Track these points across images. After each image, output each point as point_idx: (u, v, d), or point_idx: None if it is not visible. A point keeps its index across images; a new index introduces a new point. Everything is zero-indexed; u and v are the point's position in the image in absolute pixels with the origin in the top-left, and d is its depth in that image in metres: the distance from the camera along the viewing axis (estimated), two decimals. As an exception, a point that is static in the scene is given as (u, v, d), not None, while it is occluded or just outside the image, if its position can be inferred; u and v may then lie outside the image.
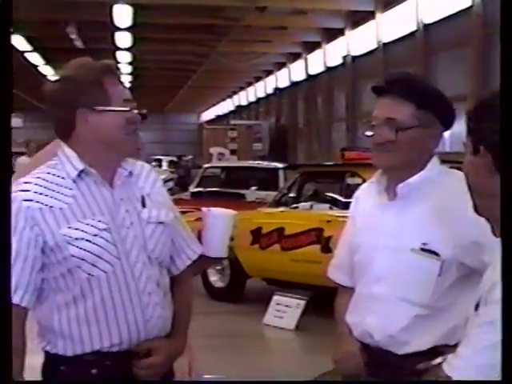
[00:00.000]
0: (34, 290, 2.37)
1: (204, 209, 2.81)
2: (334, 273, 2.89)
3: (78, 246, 2.36)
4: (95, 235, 2.38)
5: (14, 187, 2.35)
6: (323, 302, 9.77)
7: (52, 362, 2.44)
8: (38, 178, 2.44)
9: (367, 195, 2.77)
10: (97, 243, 2.38)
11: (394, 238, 2.59)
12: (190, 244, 2.67)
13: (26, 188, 2.39)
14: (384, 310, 2.59)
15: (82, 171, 2.44)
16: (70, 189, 2.42)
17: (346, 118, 26.97)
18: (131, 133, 2.47)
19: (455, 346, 1.92)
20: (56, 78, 2.50)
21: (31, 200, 2.37)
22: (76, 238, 2.36)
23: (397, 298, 2.58)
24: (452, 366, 1.87)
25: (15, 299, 2.32)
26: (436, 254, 2.51)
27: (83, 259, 2.36)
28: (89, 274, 2.37)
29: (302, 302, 8.78)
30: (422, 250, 2.52)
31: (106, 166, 2.48)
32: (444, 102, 2.61)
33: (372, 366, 2.62)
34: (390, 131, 2.54)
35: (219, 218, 2.80)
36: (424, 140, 2.56)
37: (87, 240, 2.37)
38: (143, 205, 2.51)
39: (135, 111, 2.47)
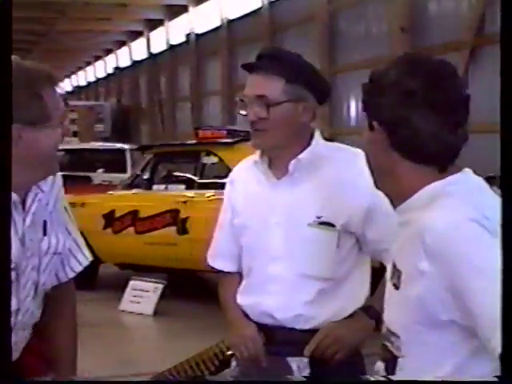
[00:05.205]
0: None
1: None
2: (215, 260, 2.81)
3: None
4: None
5: None
6: (180, 285, 9.67)
7: None
8: None
9: (246, 176, 2.71)
10: None
11: (287, 214, 2.55)
12: (76, 254, 2.46)
13: None
14: (284, 289, 2.55)
15: None
16: None
17: (191, 96, 26.83)
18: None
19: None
20: None
21: None
22: None
23: (297, 276, 2.54)
24: None
25: None
26: (332, 225, 2.51)
27: None
28: None
29: (160, 286, 8.63)
30: (319, 223, 2.51)
31: (26, 186, 2.21)
32: (316, 76, 2.59)
33: (273, 345, 2.59)
34: (262, 108, 2.50)
35: None
36: (297, 114, 2.52)
37: None
38: (44, 232, 2.28)
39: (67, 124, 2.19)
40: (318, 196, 2.52)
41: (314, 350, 2.49)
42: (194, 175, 9.05)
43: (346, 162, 2.54)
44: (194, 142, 9.42)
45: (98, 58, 40.22)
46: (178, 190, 9.10)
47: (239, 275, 2.71)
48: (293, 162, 2.53)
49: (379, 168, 1.83)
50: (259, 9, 21.21)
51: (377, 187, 1.88)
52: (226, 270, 2.76)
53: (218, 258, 2.79)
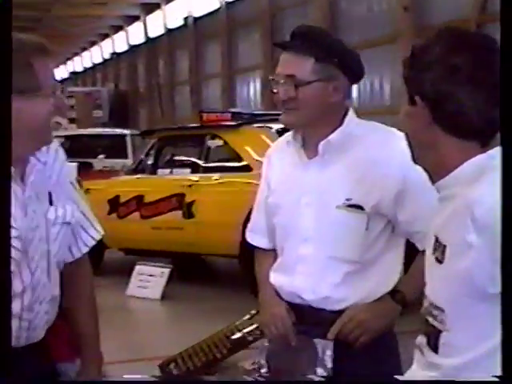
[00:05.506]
0: None
1: None
2: (252, 236, 2.84)
3: None
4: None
5: None
6: (186, 269, 9.64)
7: None
8: None
9: (282, 154, 2.71)
10: None
11: (317, 195, 2.54)
12: (87, 229, 2.44)
13: None
14: (314, 270, 2.56)
15: None
16: None
17: (190, 80, 26.71)
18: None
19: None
20: None
21: None
22: None
23: (325, 257, 2.54)
24: None
25: None
26: (361, 208, 2.49)
27: None
28: None
29: (167, 271, 8.60)
30: (347, 206, 2.49)
31: (22, 158, 2.18)
32: (347, 55, 2.55)
33: (303, 325, 2.59)
34: (291, 87, 2.51)
35: None
36: (327, 94, 2.50)
37: None
38: (50, 202, 2.27)
39: (62, 95, 2.22)
40: (348, 178, 2.50)
41: (337, 333, 2.48)
42: (199, 159, 9.00)
43: (378, 141, 2.51)
44: (198, 125, 9.37)
45: (94, 43, 40.00)
46: (183, 174, 9.05)
47: (274, 252, 2.72)
48: (322, 142, 2.52)
49: (419, 142, 1.81)
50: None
51: (415, 162, 1.86)
52: (261, 247, 2.80)
53: (255, 234, 2.83)
